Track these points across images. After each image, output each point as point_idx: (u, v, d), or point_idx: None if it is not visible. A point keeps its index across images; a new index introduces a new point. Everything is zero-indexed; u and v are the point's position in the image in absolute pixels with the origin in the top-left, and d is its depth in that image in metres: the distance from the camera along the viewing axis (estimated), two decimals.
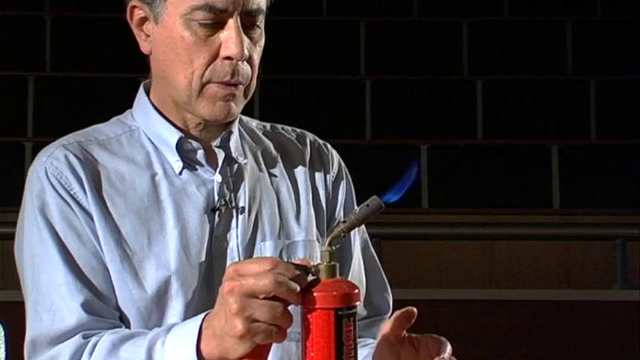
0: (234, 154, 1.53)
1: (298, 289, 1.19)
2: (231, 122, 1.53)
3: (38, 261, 1.44)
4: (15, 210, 1.53)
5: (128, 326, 1.44)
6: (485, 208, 5.45)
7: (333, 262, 1.21)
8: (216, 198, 1.50)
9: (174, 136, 1.50)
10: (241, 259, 1.48)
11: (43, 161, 1.47)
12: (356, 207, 1.26)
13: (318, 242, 1.54)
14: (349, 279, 1.56)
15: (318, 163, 1.62)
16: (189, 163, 1.51)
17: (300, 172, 1.59)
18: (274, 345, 1.26)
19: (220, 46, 1.44)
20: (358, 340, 1.47)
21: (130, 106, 1.58)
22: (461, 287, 4.79)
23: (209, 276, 1.46)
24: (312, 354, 1.19)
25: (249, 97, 1.51)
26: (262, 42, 1.49)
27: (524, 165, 5.80)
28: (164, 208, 1.47)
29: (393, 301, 1.63)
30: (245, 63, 1.45)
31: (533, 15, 6.57)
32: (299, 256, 1.51)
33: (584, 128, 6.09)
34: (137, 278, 1.44)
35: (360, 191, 1.63)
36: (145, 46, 1.50)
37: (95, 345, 1.38)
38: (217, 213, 1.49)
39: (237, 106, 1.49)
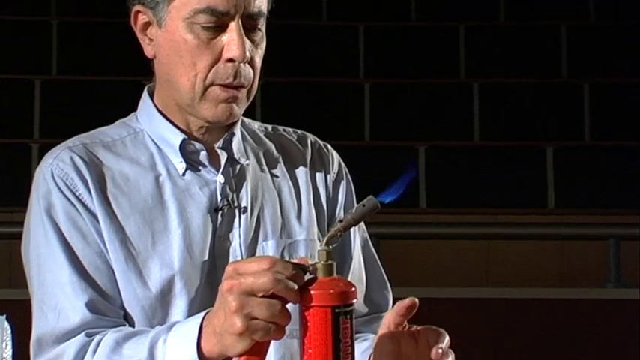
0: (236, 156, 1.53)
1: (296, 287, 1.19)
2: (234, 124, 1.53)
3: (44, 261, 1.44)
4: (21, 210, 1.53)
5: (132, 325, 1.44)
6: (482, 208, 5.45)
7: (330, 261, 1.21)
8: (219, 198, 1.50)
9: (177, 137, 1.50)
10: (244, 258, 1.48)
11: (49, 163, 1.47)
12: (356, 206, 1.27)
13: (319, 241, 1.53)
14: (350, 277, 1.57)
15: (319, 163, 1.62)
16: (193, 164, 1.51)
17: (301, 172, 1.59)
18: (276, 342, 1.26)
19: (222, 48, 1.44)
20: (359, 335, 1.48)
21: (134, 108, 1.58)
22: (458, 286, 4.78)
23: (212, 275, 1.46)
24: (309, 351, 1.19)
25: (252, 99, 1.51)
26: (264, 45, 1.49)
27: (520, 166, 5.80)
28: (168, 208, 1.47)
29: (392, 299, 1.63)
30: (247, 65, 1.45)
31: (528, 20, 6.57)
32: (300, 255, 1.51)
33: (579, 130, 6.09)
34: (141, 277, 1.44)
35: (360, 191, 1.63)
36: (149, 51, 1.50)
37: (99, 343, 1.38)
38: (220, 213, 1.49)
39: (240, 108, 1.49)
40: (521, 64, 6.38)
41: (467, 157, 5.89)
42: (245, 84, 1.46)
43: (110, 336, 1.38)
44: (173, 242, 1.46)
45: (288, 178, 1.58)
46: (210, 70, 1.44)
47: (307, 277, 1.21)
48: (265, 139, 1.61)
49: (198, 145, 1.51)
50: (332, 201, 1.61)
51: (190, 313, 1.42)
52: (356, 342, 1.46)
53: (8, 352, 1.36)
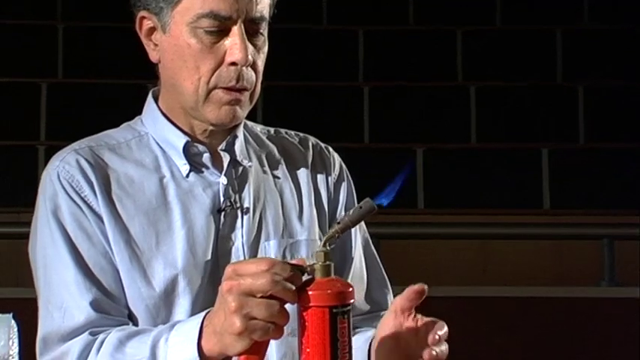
0: (239, 158, 1.53)
1: (293, 288, 1.20)
2: (236, 127, 1.53)
3: (50, 261, 1.45)
4: (28, 210, 1.53)
5: (137, 323, 1.44)
6: (479, 209, 5.45)
7: (327, 262, 1.21)
8: (222, 199, 1.50)
9: (181, 140, 1.50)
10: (246, 257, 1.48)
11: (55, 165, 1.47)
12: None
13: (320, 241, 1.54)
14: (351, 276, 1.58)
15: (320, 165, 1.62)
16: (196, 166, 1.51)
17: (303, 174, 1.60)
18: (279, 340, 1.26)
19: (225, 52, 1.44)
20: (361, 329, 1.48)
21: (137, 111, 1.58)
22: (455, 285, 4.78)
23: (215, 274, 1.46)
24: (308, 350, 1.19)
25: (254, 102, 1.51)
26: (266, 49, 1.49)
27: (515, 167, 5.80)
28: (172, 209, 1.47)
29: (392, 297, 1.63)
30: (249, 69, 1.45)
31: (524, 24, 6.57)
32: (302, 255, 1.51)
33: (573, 132, 6.09)
34: (145, 276, 1.44)
35: (359, 192, 1.63)
36: (153, 55, 1.51)
37: (103, 342, 1.38)
38: (223, 213, 1.49)
39: (243, 111, 1.49)
40: (517, 67, 6.38)
41: (464, 159, 5.89)
42: (248, 87, 1.46)
43: (114, 335, 1.38)
44: (177, 242, 1.46)
45: (290, 179, 1.58)
46: (213, 74, 1.45)
47: (306, 277, 1.21)
48: (268, 141, 1.62)
49: (201, 147, 1.51)
50: (333, 202, 1.61)
51: (194, 312, 1.42)
52: (361, 331, 1.47)
53: (14, 349, 1.36)
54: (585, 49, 6.43)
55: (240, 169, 1.53)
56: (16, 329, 1.37)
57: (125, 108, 1.73)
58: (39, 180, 1.49)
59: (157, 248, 1.45)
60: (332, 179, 1.62)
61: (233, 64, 1.44)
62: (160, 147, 1.52)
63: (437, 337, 1.28)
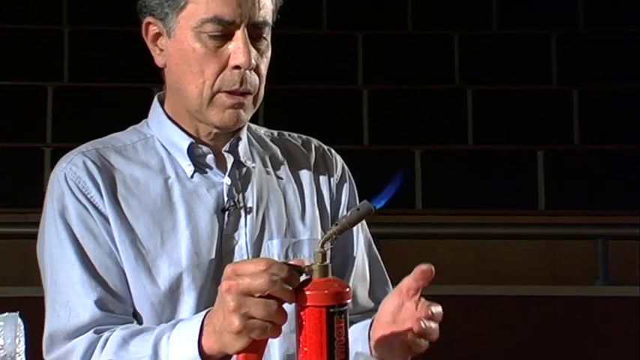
0: (242, 159, 1.54)
1: (291, 288, 1.20)
2: (240, 129, 1.53)
3: (56, 260, 1.45)
4: (35, 211, 1.54)
5: (142, 322, 1.44)
6: (476, 209, 5.44)
7: (325, 263, 1.21)
8: (226, 199, 1.50)
9: (185, 141, 1.51)
10: (250, 256, 1.49)
11: (62, 167, 1.48)
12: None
13: None
14: (353, 275, 1.59)
15: (323, 167, 1.62)
16: (200, 167, 1.51)
17: (306, 175, 1.60)
18: (281, 337, 1.26)
19: (229, 56, 1.44)
20: (362, 324, 1.48)
21: (142, 114, 1.58)
22: (452, 283, 4.78)
23: (219, 272, 1.45)
24: (305, 349, 1.19)
25: (258, 105, 1.51)
26: (269, 53, 1.50)
27: (511, 169, 5.80)
28: (176, 209, 1.48)
29: None
30: (253, 72, 1.46)
31: (520, 28, 6.57)
32: (304, 254, 1.52)
33: (569, 134, 6.09)
34: (150, 275, 1.44)
35: (359, 193, 1.63)
36: (159, 60, 1.51)
37: (107, 340, 1.38)
38: (227, 213, 1.50)
39: (246, 114, 1.49)
40: (513, 70, 6.38)
41: (461, 161, 5.88)
42: (251, 90, 1.46)
43: (118, 333, 1.38)
44: (181, 241, 1.46)
45: (293, 180, 1.59)
46: (217, 78, 1.45)
47: (304, 278, 1.21)
48: (271, 143, 1.62)
49: (205, 149, 1.51)
50: (335, 202, 1.61)
51: (198, 309, 1.42)
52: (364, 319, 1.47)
53: (21, 347, 1.36)
54: (580, 52, 6.43)
55: (244, 169, 1.54)
56: (22, 327, 1.37)
57: (130, 111, 1.73)
58: (45, 181, 1.49)
59: (162, 247, 1.45)
60: (334, 180, 1.62)
61: (237, 67, 1.44)
62: (165, 149, 1.52)
63: (430, 312, 1.30)
